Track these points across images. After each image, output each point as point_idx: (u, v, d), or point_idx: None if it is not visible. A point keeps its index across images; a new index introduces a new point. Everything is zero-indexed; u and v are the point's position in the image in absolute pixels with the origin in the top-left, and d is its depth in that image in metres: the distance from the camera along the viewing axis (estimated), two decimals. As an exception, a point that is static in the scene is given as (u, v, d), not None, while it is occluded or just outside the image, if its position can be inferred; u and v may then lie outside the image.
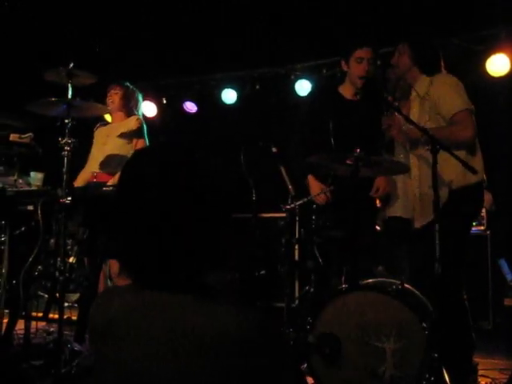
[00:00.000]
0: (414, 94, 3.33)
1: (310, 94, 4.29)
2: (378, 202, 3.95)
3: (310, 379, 2.84)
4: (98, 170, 4.10)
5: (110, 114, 4.45)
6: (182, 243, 1.08)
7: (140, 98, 4.46)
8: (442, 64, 3.31)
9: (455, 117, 3.08)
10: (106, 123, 4.45)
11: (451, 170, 3.04)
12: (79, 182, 4.13)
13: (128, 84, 4.36)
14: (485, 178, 3.19)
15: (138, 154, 1.18)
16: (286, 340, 1.10)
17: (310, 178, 3.64)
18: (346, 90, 3.74)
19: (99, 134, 4.35)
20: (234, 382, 0.98)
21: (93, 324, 1.15)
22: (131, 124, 4.22)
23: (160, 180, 1.08)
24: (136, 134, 4.19)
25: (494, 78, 5.10)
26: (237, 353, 0.98)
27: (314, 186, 3.60)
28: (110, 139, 4.22)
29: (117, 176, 3.94)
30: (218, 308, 1.04)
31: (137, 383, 1.03)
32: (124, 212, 1.11)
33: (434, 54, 3.31)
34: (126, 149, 4.17)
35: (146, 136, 4.25)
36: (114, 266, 3.74)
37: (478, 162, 3.09)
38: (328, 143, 3.61)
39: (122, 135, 4.18)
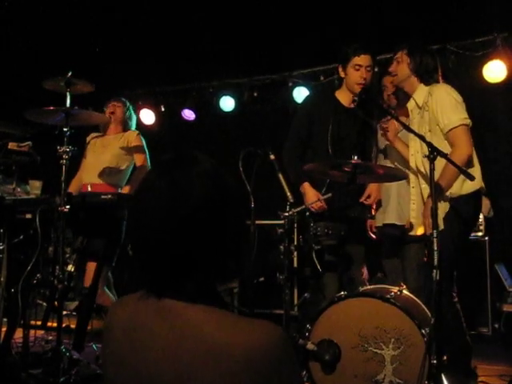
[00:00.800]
0: (412, 103, 3.33)
1: (308, 98, 4.28)
2: (373, 210, 3.97)
3: (309, 386, 2.84)
4: (94, 181, 4.11)
5: (105, 126, 4.43)
6: (195, 253, 1.09)
7: (134, 114, 4.56)
8: (440, 73, 3.32)
9: (450, 133, 3.10)
10: (102, 134, 4.43)
11: None
12: (72, 191, 4.12)
13: (127, 102, 4.46)
14: (483, 185, 3.20)
15: (152, 169, 1.18)
16: (293, 352, 1.10)
17: (306, 186, 3.63)
18: (343, 97, 3.74)
19: (94, 144, 4.37)
20: None
21: (107, 327, 1.17)
22: (131, 139, 4.28)
23: (174, 193, 1.09)
24: (137, 149, 4.24)
25: (490, 84, 5.11)
26: (243, 364, 0.99)
27: (310, 193, 3.60)
28: (108, 151, 4.24)
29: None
30: (227, 318, 1.05)
31: None
32: (138, 223, 1.13)
33: (433, 63, 3.32)
34: (123, 161, 4.22)
35: (146, 150, 4.30)
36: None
37: (476, 171, 3.10)
38: (325, 150, 3.62)
39: (122, 148, 4.22)
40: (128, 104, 4.46)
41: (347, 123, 3.68)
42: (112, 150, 4.23)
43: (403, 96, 3.78)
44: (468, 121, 3.11)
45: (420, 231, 3.27)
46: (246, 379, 0.99)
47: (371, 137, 3.81)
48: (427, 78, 3.27)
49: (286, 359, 1.03)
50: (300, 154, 3.71)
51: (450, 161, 2.83)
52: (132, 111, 4.51)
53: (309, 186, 3.62)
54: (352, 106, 3.71)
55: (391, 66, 3.40)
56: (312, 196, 3.56)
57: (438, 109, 3.13)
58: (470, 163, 3.10)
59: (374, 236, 3.98)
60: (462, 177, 2.99)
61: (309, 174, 3.55)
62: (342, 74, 3.68)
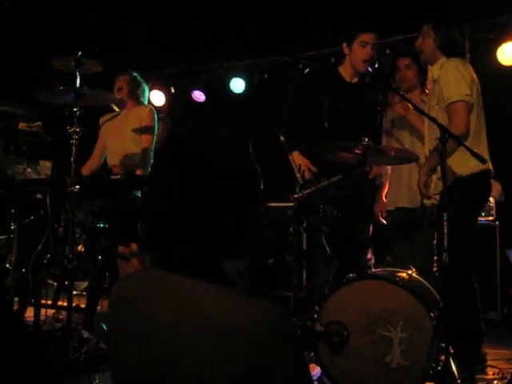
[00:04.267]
0: (430, 76, 3.29)
1: (311, 70, 4.21)
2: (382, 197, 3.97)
3: (316, 368, 2.85)
4: (117, 163, 4.07)
5: (118, 105, 4.34)
6: (206, 228, 1.09)
7: (146, 87, 4.40)
8: (466, 50, 3.24)
9: (449, 107, 3.04)
10: (117, 114, 4.33)
11: (455, 159, 3.00)
12: (87, 172, 4.11)
13: (135, 73, 4.31)
14: (491, 167, 3.15)
15: (165, 146, 1.19)
16: (296, 336, 1.10)
17: (295, 155, 3.57)
18: (346, 72, 3.72)
19: (111, 125, 4.26)
20: (234, 373, 0.99)
21: (110, 300, 1.18)
22: (143, 115, 4.15)
23: (187, 168, 1.10)
24: (146, 129, 4.11)
25: (504, 66, 5.03)
26: (241, 344, 0.99)
27: (300, 160, 3.50)
28: (125, 135, 4.13)
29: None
30: (230, 296, 1.06)
31: (144, 356, 1.07)
32: (150, 197, 1.15)
33: (460, 38, 3.23)
34: (141, 143, 4.13)
35: (155, 129, 4.17)
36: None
37: (482, 151, 3.04)
38: (320, 122, 3.58)
39: (136, 130, 4.11)
40: (133, 74, 4.28)
41: (347, 98, 3.64)
42: (129, 134, 4.12)
43: (412, 80, 3.76)
44: (469, 98, 3.03)
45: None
46: (243, 356, 0.99)
47: (374, 115, 3.75)
48: (453, 54, 3.17)
49: (285, 341, 1.03)
50: (294, 124, 3.66)
51: (461, 143, 2.81)
52: (140, 80, 4.32)
53: (298, 155, 3.58)
54: (354, 80, 3.68)
55: (416, 42, 3.32)
56: (301, 162, 3.46)
57: (445, 80, 3.08)
58: (475, 138, 3.05)
59: (384, 221, 3.96)
60: (466, 156, 2.90)
61: (306, 150, 3.49)
62: (347, 51, 3.65)
